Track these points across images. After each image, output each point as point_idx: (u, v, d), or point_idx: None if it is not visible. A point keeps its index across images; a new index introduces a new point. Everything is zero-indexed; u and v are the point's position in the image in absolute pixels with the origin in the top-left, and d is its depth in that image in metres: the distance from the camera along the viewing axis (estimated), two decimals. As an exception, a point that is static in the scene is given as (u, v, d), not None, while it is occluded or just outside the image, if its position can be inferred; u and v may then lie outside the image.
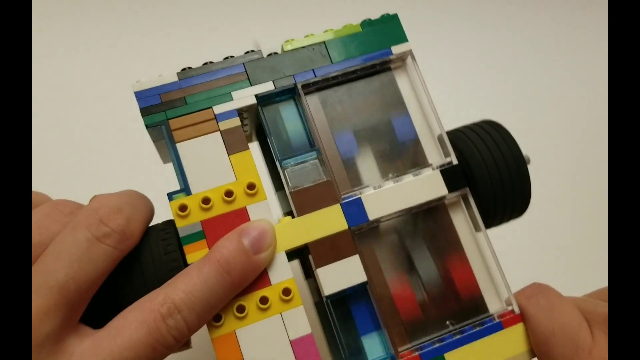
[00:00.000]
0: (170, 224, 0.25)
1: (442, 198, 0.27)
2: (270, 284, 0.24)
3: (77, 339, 0.21)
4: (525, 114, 0.44)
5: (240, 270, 0.23)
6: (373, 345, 0.25)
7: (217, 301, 0.22)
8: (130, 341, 0.21)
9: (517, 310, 0.25)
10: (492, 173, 0.27)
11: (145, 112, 0.26)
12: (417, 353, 0.24)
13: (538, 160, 0.37)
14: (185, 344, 0.24)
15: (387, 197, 0.26)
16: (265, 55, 0.27)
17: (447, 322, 0.26)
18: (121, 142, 0.41)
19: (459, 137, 0.28)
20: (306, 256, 0.26)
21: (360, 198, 0.26)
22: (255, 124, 0.30)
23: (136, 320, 0.21)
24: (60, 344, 0.20)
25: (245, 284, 0.23)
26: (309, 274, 0.27)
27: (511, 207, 0.28)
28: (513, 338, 0.25)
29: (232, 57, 0.27)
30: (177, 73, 0.27)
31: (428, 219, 0.27)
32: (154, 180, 0.34)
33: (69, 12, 0.45)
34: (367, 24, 0.29)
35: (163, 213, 0.26)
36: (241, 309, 0.24)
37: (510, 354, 0.25)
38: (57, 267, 0.20)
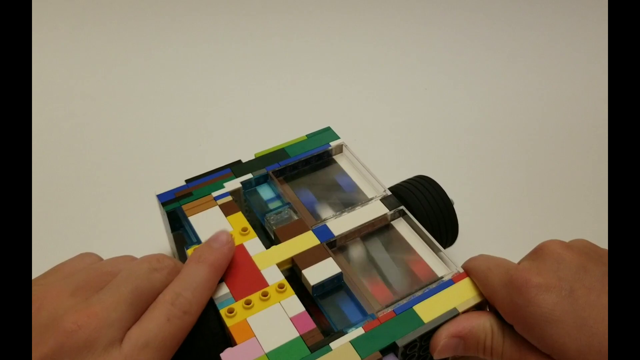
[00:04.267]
0: None
1: (384, 216, 0.36)
2: (268, 285, 0.32)
3: (127, 335, 0.27)
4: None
5: (209, 257, 0.31)
6: (354, 315, 0.31)
7: (203, 280, 0.30)
8: (152, 320, 0.27)
9: (460, 270, 0.32)
10: (421, 199, 0.37)
11: (165, 204, 0.37)
12: (391, 309, 0.30)
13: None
14: None
15: (345, 220, 0.36)
16: (244, 162, 0.40)
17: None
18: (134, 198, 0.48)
19: (397, 187, 0.39)
20: (295, 272, 0.33)
21: (325, 224, 0.35)
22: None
23: (154, 311, 0.28)
24: (123, 337, 0.27)
25: (220, 266, 0.31)
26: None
27: (444, 226, 0.37)
28: (463, 288, 0.31)
29: (221, 167, 0.40)
30: (185, 180, 0.38)
31: (381, 234, 0.36)
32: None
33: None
34: (310, 135, 0.42)
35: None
36: (248, 302, 0.31)
37: (463, 299, 0.31)
38: (126, 282, 0.29)
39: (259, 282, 0.32)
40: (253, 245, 0.34)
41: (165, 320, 0.27)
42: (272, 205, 0.38)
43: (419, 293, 0.31)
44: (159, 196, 0.37)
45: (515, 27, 0.73)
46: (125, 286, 0.28)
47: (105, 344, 0.26)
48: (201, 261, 0.30)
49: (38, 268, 0.30)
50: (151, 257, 0.31)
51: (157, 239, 0.42)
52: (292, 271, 0.34)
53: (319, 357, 0.28)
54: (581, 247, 0.30)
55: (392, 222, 0.37)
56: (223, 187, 0.38)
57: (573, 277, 0.28)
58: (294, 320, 0.30)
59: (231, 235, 0.33)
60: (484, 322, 0.30)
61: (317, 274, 0.32)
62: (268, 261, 0.33)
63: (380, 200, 0.37)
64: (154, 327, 0.27)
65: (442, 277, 0.33)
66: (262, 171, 0.39)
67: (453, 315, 0.30)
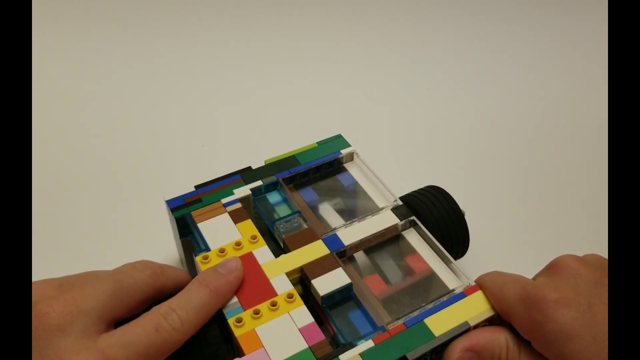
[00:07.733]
0: None
1: (395, 226, 0.35)
2: (277, 294, 0.31)
3: (110, 332, 0.27)
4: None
5: (213, 282, 0.30)
6: (364, 327, 0.31)
7: (200, 303, 0.29)
8: (139, 324, 0.27)
9: (472, 283, 0.32)
10: (432, 210, 0.37)
11: (174, 210, 0.36)
12: (401, 322, 0.30)
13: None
14: None
15: (355, 229, 0.35)
16: (254, 168, 0.39)
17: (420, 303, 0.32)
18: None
19: (407, 197, 0.39)
20: (304, 279, 0.33)
21: (335, 233, 0.35)
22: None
23: (144, 317, 0.28)
24: (102, 331, 0.27)
25: (222, 293, 0.30)
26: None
27: (455, 237, 0.37)
28: (475, 302, 0.31)
29: (231, 173, 0.39)
30: (195, 186, 0.38)
31: (391, 244, 0.35)
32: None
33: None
34: (321, 142, 0.42)
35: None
36: (256, 312, 0.30)
37: (475, 312, 0.30)
38: (108, 276, 0.29)
39: (268, 292, 0.32)
40: (262, 253, 0.34)
41: (153, 329, 0.27)
42: (281, 213, 0.37)
43: (430, 306, 0.31)
44: (168, 202, 0.37)
45: (526, 28, 0.73)
46: (107, 280, 0.29)
47: (79, 331, 0.26)
48: (204, 285, 0.30)
49: (42, 274, 0.30)
50: (134, 262, 0.31)
51: (165, 245, 0.41)
52: (301, 280, 0.33)
53: (328, 369, 0.28)
54: (595, 262, 0.29)
55: (402, 233, 0.36)
56: (232, 193, 0.38)
57: (590, 293, 0.27)
58: (302, 331, 0.30)
59: (241, 262, 0.32)
60: (499, 337, 0.29)
61: (326, 284, 0.32)
62: (277, 270, 0.33)
63: (391, 210, 0.36)
64: (140, 331, 0.27)
65: (453, 290, 0.32)
66: (272, 178, 0.39)
67: (465, 329, 0.30)
